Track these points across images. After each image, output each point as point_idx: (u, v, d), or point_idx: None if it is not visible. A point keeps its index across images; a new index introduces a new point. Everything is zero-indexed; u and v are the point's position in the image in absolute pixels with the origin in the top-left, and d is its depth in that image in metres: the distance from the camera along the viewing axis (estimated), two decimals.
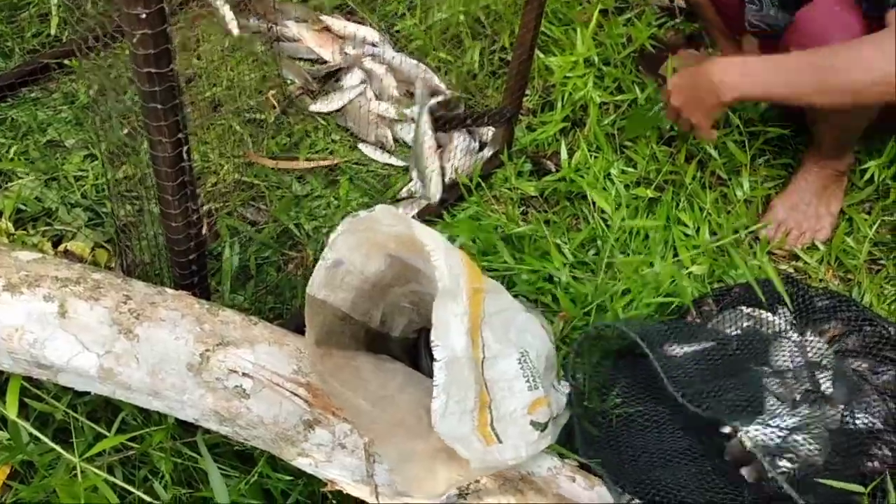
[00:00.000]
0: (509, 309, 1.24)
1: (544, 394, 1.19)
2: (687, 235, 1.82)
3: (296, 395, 1.14)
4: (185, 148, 1.03)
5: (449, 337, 1.05)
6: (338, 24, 2.24)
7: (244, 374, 1.13)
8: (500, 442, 1.11)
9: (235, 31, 2.14)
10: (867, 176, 1.97)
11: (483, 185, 1.91)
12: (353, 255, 1.15)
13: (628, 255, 1.78)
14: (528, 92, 2.11)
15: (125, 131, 1.70)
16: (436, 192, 1.89)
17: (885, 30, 1.51)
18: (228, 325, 1.15)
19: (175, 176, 1.05)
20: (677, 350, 1.59)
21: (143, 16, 0.87)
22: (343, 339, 1.25)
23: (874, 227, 1.89)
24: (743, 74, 1.61)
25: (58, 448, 1.22)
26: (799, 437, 1.48)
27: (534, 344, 1.25)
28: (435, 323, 1.04)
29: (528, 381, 1.18)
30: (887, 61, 1.46)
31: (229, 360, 1.13)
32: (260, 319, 1.21)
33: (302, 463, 1.18)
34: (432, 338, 1.04)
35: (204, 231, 1.64)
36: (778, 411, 1.49)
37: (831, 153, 1.85)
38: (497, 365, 1.15)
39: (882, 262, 1.86)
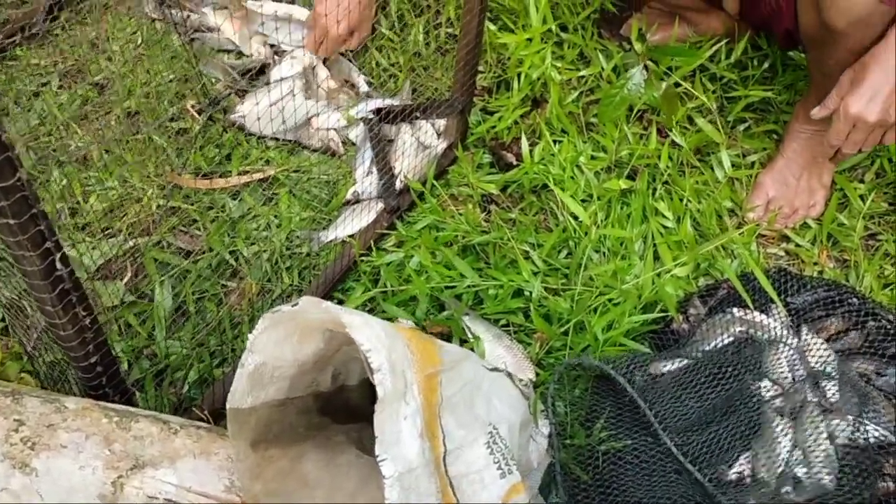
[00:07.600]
0: (472, 380, 1.07)
1: (520, 478, 1.03)
2: (667, 228, 1.65)
3: None
4: (57, 255, 0.83)
5: (400, 446, 0.88)
6: (266, 5, 1.97)
7: (167, 501, 0.96)
8: None
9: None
10: None
11: (437, 185, 1.72)
12: (281, 348, 0.97)
13: (604, 254, 1.61)
14: (481, 68, 1.90)
15: None
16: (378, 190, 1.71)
17: None
18: (143, 441, 0.98)
19: (52, 287, 0.85)
20: (663, 367, 1.44)
21: None
22: (285, 423, 1.08)
23: (869, 199, 1.72)
24: None
25: None
26: (806, 461, 1.34)
27: (504, 413, 1.09)
28: (379, 435, 0.87)
29: (499, 466, 1.02)
30: None
31: (147, 486, 0.95)
32: (181, 426, 1.03)
33: None
34: (377, 452, 0.87)
35: (127, 274, 1.45)
36: (781, 432, 1.36)
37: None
38: (463, 456, 0.99)
39: (880, 237, 1.70)
